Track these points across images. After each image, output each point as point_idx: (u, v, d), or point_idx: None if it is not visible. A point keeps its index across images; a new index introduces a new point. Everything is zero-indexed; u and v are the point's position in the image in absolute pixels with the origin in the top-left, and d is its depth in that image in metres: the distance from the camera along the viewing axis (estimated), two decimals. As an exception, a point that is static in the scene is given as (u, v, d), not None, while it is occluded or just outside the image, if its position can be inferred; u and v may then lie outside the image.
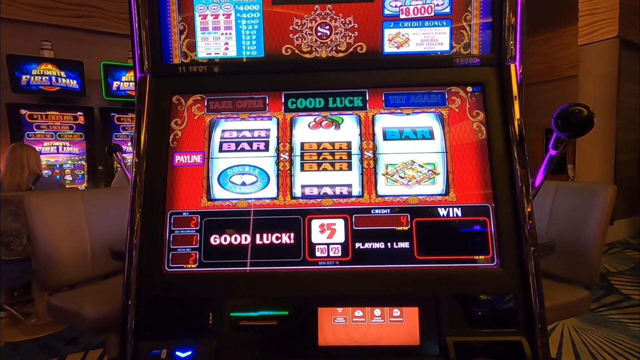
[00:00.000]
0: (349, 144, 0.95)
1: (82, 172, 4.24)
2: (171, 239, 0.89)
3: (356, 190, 0.91)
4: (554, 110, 0.81)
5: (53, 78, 4.04)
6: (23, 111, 3.93)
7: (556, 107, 0.81)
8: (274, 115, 0.97)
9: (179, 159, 0.93)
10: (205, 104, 0.97)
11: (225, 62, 0.98)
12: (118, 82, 4.48)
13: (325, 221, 0.89)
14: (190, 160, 0.93)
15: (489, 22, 0.95)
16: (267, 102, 0.98)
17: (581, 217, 1.47)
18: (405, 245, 0.86)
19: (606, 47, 4.21)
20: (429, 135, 0.94)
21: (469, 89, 0.95)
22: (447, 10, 0.95)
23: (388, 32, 0.96)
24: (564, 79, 5.76)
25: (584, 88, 4.40)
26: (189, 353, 0.80)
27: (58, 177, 4.09)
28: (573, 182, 4.29)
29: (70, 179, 4.18)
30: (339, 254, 0.87)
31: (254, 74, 0.99)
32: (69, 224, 1.65)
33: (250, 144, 0.96)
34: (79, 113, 4.21)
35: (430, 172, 0.92)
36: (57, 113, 4.10)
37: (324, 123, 0.95)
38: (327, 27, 0.96)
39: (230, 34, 0.98)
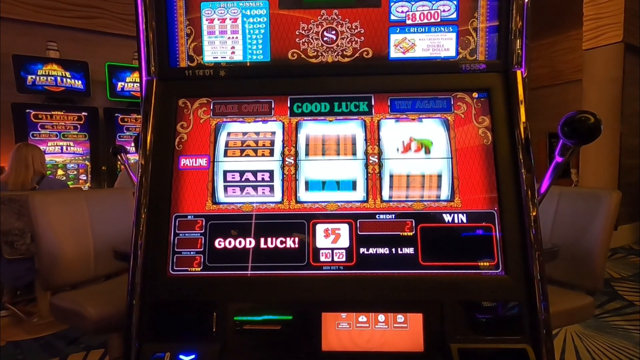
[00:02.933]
0: (354, 149, 0.94)
1: (86, 172, 4.26)
2: (176, 242, 0.89)
3: (361, 195, 0.91)
4: (557, 114, 0.81)
5: (58, 78, 4.07)
6: (28, 111, 3.95)
7: (560, 111, 0.81)
8: (280, 119, 0.97)
9: (185, 162, 0.94)
10: (211, 107, 0.98)
11: (232, 66, 0.99)
12: (122, 83, 4.50)
13: (330, 226, 0.89)
14: (195, 163, 0.94)
15: (495, 27, 0.95)
16: (272, 106, 0.98)
17: (585, 222, 1.47)
18: (409, 250, 0.86)
19: (611, 52, 4.20)
20: (434, 141, 0.94)
21: (475, 94, 0.95)
22: (454, 16, 0.95)
23: (394, 38, 0.97)
24: (568, 83, 5.75)
25: (588, 92, 4.39)
26: (192, 357, 0.80)
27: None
28: (577, 187, 4.28)
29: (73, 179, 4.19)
30: (344, 259, 0.87)
31: (260, 78, 0.99)
32: (73, 224, 1.66)
33: (255, 148, 0.96)
34: (83, 113, 4.23)
35: (435, 177, 0.92)
36: (62, 113, 4.12)
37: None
38: (334, 32, 0.97)
39: (236, 38, 0.98)
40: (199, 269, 0.87)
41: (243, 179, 0.94)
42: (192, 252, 0.88)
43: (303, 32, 0.97)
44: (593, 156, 4.34)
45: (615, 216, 1.42)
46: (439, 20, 0.96)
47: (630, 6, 4.07)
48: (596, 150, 4.27)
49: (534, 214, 0.84)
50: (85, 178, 4.27)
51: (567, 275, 1.51)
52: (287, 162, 0.94)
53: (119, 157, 1.80)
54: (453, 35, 0.96)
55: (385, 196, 0.91)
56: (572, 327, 2.36)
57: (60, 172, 4.14)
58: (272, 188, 0.93)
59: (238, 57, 0.99)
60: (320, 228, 0.89)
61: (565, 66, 5.81)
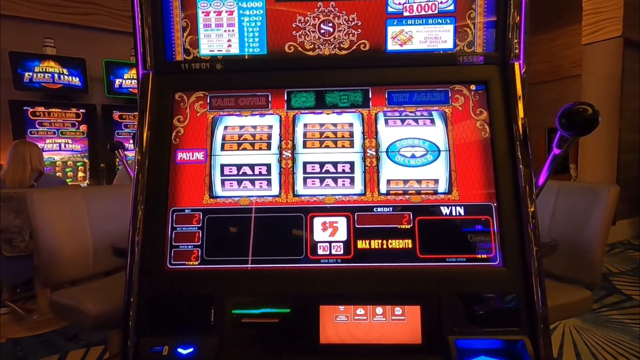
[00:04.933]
0: (352, 142, 0.94)
1: (84, 169, 4.25)
2: (173, 236, 0.89)
3: (358, 188, 0.91)
4: (556, 109, 0.81)
5: (55, 75, 4.05)
6: (26, 108, 3.94)
7: (559, 106, 0.81)
8: (277, 112, 0.97)
9: (182, 156, 0.93)
10: (208, 101, 0.97)
11: (228, 60, 0.98)
12: (120, 80, 4.48)
13: (328, 219, 0.89)
14: (192, 157, 0.93)
15: (493, 20, 0.94)
16: (269, 99, 0.97)
17: (583, 217, 1.47)
18: (407, 243, 0.86)
19: (610, 47, 4.19)
20: (432, 133, 0.94)
21: (473, 87, 0.94)
22: (451, 7, 0.95)
23: (391, 30, 0.96)
24: (567, 78, 5.73)
25: (587, 87, 4.38)
26: (190, 350, 0.81)
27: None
28: (575, 182, 4.28)
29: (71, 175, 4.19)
30: (341, 252, 0.87)
31: (257, 71, 0.98)
32: (71, 221, 1.66)
33: (252, 141, 0.96)
34: (81, 110, 4.22)
35: (433, 170, 0.91)
36: (60, 110, 4.11)
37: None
38: (330, 25, 0.96)
39: (233, 31, 0.98)
40: (197, 262, 0.87)
41: (240, 173, 0.93)
42: (189, 246, 0.88)
43: (300, 24, 0.96)
44: (592, 151, 4.34)
45: (614, 211, 1.42)
46: (436, 12, 0.95)
47: (629, 0, 4.05)
48: (595, 146, 4.27)
49: (532, 209, 0.83)
50: (83, 175, 4.26)
51: (566, 270, 1.51)
52: (284, 156, 0.94)
53: (117, 154, 1.80)
54: (450, 27, 0.95)
55: (383, 189, 0.90)
56: (570, 321, 2.37)
57: (58, 169, 4.13)
58: (269, 182, 0.92)
59: (234, 50, 0.98)
60: (317, 221, 0.88)
61: (564, 61, 5.79)
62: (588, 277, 1.46)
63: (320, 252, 0.87)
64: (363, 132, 0.94)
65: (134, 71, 4.43)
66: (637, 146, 4.66)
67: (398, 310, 0.83)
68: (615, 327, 2.33)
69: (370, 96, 0.96)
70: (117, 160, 4.21)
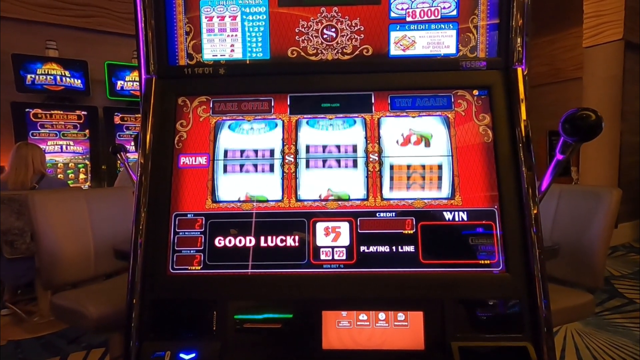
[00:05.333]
0: (354, 147, 0.94)
1: (85, 171, 4.25)
2: (176, 241, 0.89)
3: (361, 193, 0.91)
4: (557, 112, 0.81)
5: (58, 77, 4.06)
6: (28, 110, 3.95)
7: (560, 109, 0.81)
8: (280, 117, 0.97)
9: (184, 160, 0.93)
10: (211, 105, 0.97)
11: (231, 64, 0.98)
12: (122, 82, 4.49)
13: (330, 224, 0.88)
14: (195, 162, 0.93)
15: (496, 25, 0.94)
16: (272, 104, 0.97)
17: (585, 220, 1.47)
18: (410, 249, 0.86)
19: (611, 49, 4.19)
20: (434, 138, 0.94)
21: (476, 92, 0.94)
22: (454, 13, 0.95)
23: (394, 35, 0.96)
24: (568, 81, 5.73)
25: (588, 90, 4.38)
26: (192, 355, 0.80)
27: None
28: (577, 185, 4.28)
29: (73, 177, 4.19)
30: (344, 257, 0.86)
31: (260, 75, 0.99)
32: (73, 223, 1.66)
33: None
34: (83, 112, 4.23)
35: (436, 175, 0.91)
36: (62, 112, 4.12)
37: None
38: (333, 30, 0.96)
39: (236, 35, 0.98)
40: (199, 267, 0.87)
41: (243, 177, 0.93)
42: (192, 251, 0.88)
43: (303, 29, 0.96)
44: (593, 154, 4.34)
45: (616, 214, 1.41)
46: (439, 17, 0.95)
47: (630, 4, 4.05)
48: (596, 148, 4.26)
49: (535, 212, 0.83)
50: (85, 177, 4.26)
51: (568, 273, 1.51)
52: (287, 161, 0.94)
53: (119, 156, 1.80)
54: (453, 33, 0.95)
55: (386, 194, 0.90)
56: (572, 325, 2.36)
57: (59, 171, 4.13)
58: (272, 186, 0.92)
59: (237, 55, 0.98)
60: (320, 226, 0.88)
61: (566, 64, 5.79)
62: (590, 280, 1.46)
63: (322, 257, 0.87)
64: (366, 137, 0.94)
65: (135, 73, 4.45)
66: (638, 148, 4.66)
67: (401, 315, 0.83)
68: (617, 331, 2.32)
69: (373, 101, 0.96)
70: (119, 162, 4.21)
